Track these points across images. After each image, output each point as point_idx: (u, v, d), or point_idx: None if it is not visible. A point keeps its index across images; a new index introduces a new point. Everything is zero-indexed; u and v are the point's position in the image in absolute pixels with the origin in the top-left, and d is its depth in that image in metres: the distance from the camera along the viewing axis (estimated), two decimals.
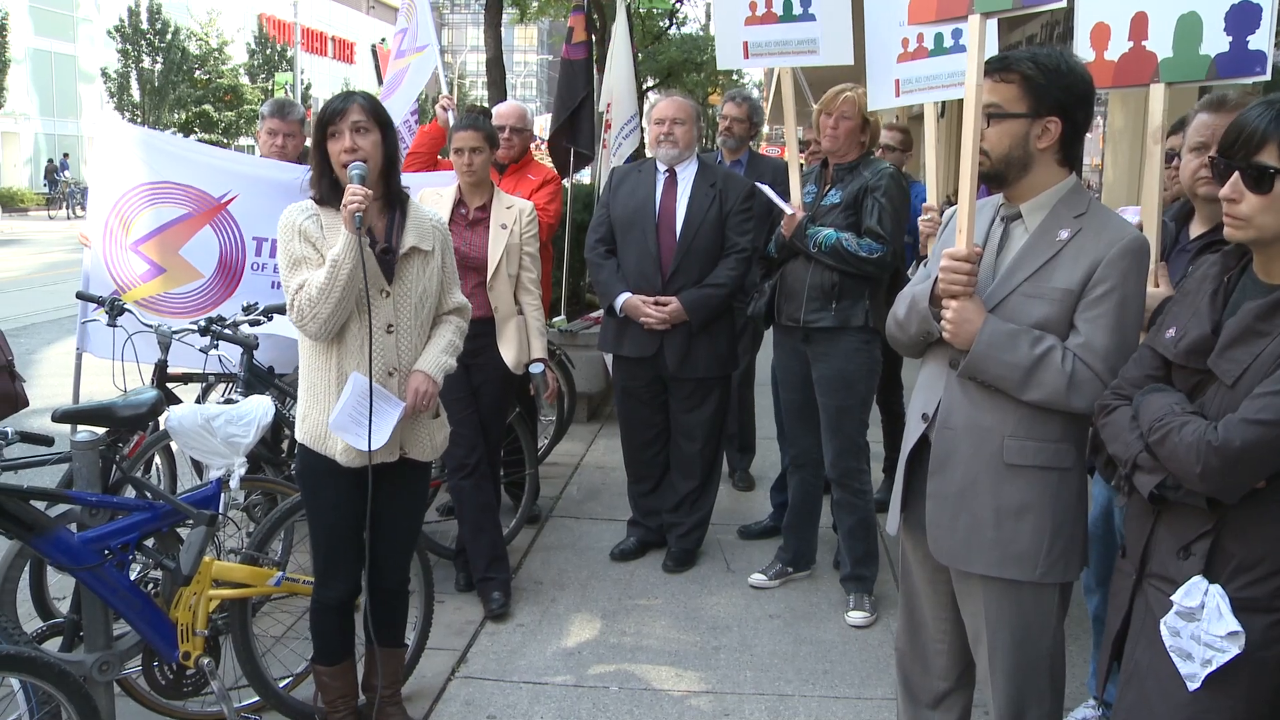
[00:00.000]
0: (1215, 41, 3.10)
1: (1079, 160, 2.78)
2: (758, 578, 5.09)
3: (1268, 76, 3.06)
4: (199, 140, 36.89)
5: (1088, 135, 2.73)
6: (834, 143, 4.70)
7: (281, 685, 3.78)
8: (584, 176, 9.06)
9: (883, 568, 5.02)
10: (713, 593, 5.02)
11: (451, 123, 5.66)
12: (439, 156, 6.15)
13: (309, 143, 3.60)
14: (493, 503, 4.91)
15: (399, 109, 6.77)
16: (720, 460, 5.51)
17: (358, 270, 3.14)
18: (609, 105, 8.52)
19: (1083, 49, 3.32)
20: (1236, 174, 2.16)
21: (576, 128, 8.29)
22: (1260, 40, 3.05)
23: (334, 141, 3.24)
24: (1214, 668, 2.11)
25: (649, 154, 5.24)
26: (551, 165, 7.48)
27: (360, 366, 3.25)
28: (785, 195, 4.78)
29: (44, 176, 37.23)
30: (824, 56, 4.73)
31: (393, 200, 3.38)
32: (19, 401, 4.32)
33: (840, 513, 4.88)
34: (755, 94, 7.14)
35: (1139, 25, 3.22)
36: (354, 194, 3.10)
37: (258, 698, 3.71)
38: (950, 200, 4.91)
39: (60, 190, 35.43)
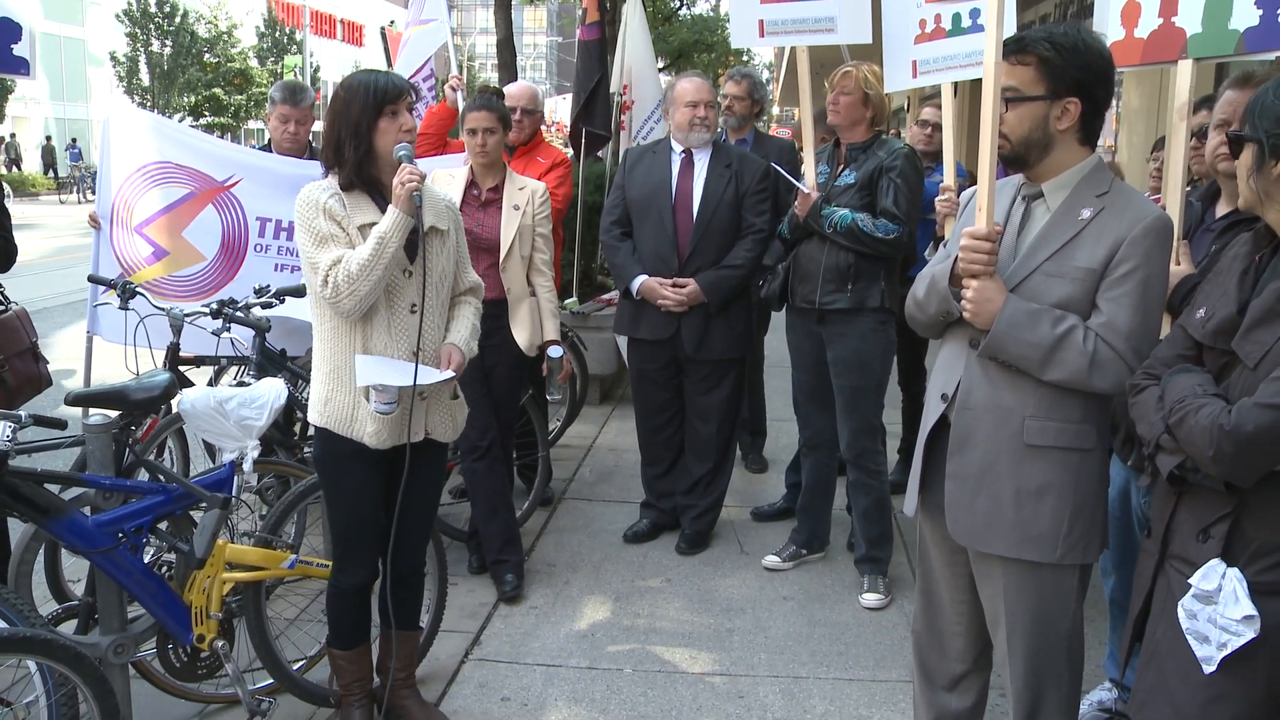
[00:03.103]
0: (1245, 15, 3.06)
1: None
2: (771, 559, 5.08)
3: None
4: (209, 124, 37.06)
5: None
6: (835, 117, 4.68)
7: (295, 668, 3.78)
8: (603, 156, 8.98)
9: (897, 550, 5.01)
10: (726, 575, 5.01)
11: (460, 104, 5.62)
12: (448, 138, 6.12)
13: (318, 126, 3.56)
14: (505, 485, 4.91)
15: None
16: (735, 442, 5.49)
17: (402, 249, 3.18)
18: (626, 87, 8.46)
19: (1112, 27, 3.29)
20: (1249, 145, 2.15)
21: (591, 108, 8.28)
22: None
23: (391, 120, 3.20)
24: (1229, 651, 2.09)
25: (672, 137, 5.13)
26: (561, 147, 7.42)
27: (387, 347, 3.25)
28: (792, 175, 4.74)
29: (66, 150, 37.09)
30: (841, 35, 4.69)
31: None
32: (43, 383, 4.35)
33: (855, 494, 4.86)
34: (766, 75, 7.04)
35: (1169, 1, 3.19)
36: (412, 174, 3.12)
37: (272, 680, 3.71)
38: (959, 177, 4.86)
39: (71, 174, 35.44)
